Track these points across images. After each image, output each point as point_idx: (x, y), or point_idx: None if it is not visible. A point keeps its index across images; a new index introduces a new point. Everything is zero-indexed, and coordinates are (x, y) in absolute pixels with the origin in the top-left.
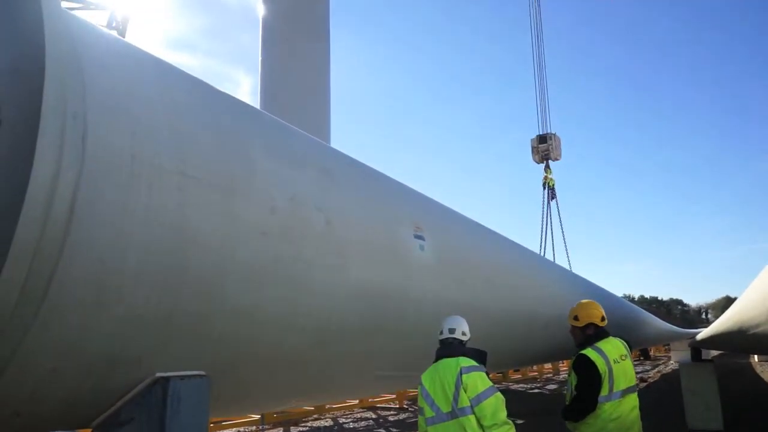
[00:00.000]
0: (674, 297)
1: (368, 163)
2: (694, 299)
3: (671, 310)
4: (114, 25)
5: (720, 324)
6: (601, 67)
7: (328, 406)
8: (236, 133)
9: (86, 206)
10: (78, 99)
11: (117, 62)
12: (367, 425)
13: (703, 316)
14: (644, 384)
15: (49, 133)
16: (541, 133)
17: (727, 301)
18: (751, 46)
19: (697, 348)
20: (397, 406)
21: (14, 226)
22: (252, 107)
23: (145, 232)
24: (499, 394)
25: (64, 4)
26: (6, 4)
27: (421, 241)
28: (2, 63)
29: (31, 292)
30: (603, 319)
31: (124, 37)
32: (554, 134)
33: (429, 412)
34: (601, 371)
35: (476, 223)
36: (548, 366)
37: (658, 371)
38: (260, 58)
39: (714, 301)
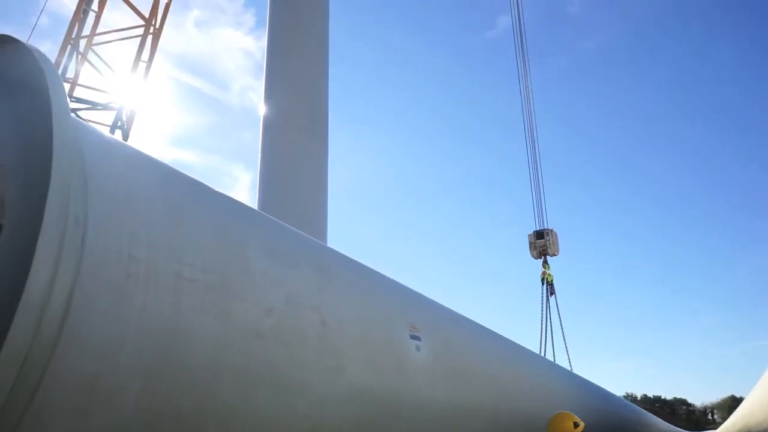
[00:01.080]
0: (678, 396)
1: (364, 257)
2: (698, 398)
3: (676, 410)
4: (119, 124)
5: (728, 428)
6: (598, 158)
7: None
8: (233, 233)
9: (81, 309)
10: (80, 204)
11: (119, 166)
12: None
13: (710, 416)
14: None
15: (50, 239)
16: (537, 229)
17: (733, 401)
18: (745, 136)
19: None
20: None
21: (6, 330)
22: (249, 207)
23: (139, 334)
24: None
25: (71, 105)
26: (16, 107)
27: (417, 342)
28: (8, 164)
29: (15, 400)
30: (576, 425)
31: (129, 135)
32: (551, 230)
33: None
34: None
35: (474, 322)
36: None
37: None
38: (260, 155)
39: (719, 401)
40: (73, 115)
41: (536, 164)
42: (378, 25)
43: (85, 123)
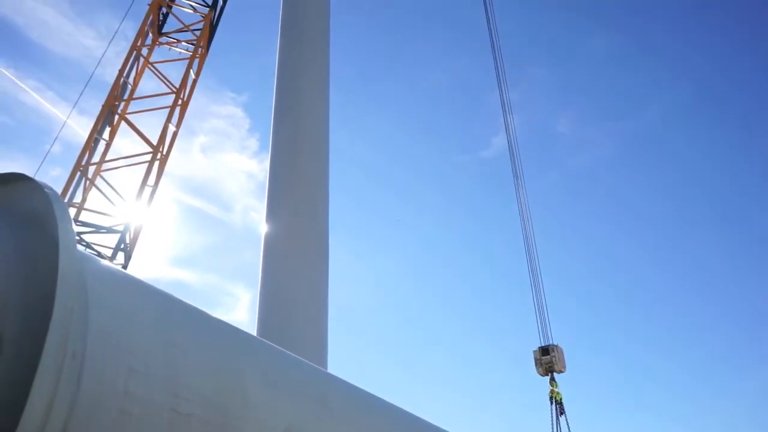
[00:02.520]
0: None
1: (365, 377)
2: None
3: None
4: (122, 246)
5: None
6: (600, 270)
7: None
8: (231, 363)
9: None
10: (79, 339)
11: (120, 298)
12: None
13: None
14: None
15: (46, 377)
16: (542, 344)
17: None
18: (748, 246)
19: None
20: None
21: None
22: (248, 334)
23: None
24: None
25: (76, 228)
26: (22, 241)
27: None
28: (10, 298)
29: None
30: None
31: (131, 256)
32: (557, 345)
33: None
34: None
35: None
36: None
37: None
38: (260, 274)
39: None
40: (79, 247)
41: (537, 279)
42: (374, 149)
43: (90, 256)
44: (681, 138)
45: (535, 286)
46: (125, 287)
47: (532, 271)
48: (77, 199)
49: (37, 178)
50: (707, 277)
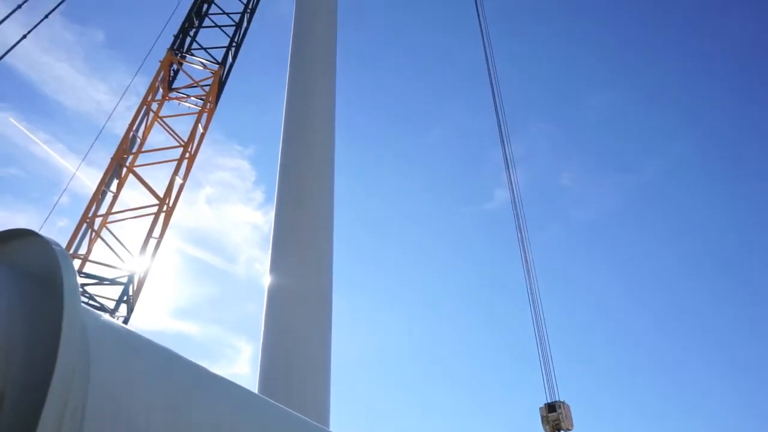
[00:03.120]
0: None
1: (368, 427)
2: None
3: None
4: (125, 298)
5: None
6: (604, 326)
7: None
8: (232, 423)
9: None
10: (80, 397)
11: (122, 356)
12: None
13: None
14: None
15: None
16: (549, 401)
17: None
18: (756, 307)
19: None
20: None
21: None
22: (250, 392)
23: None
24: None
25: (80, 281)
26: (26, 299)
27: None
28: (12, 357)
29: None
30: None
31: (134, 308)
32: (563, 402)
33: None
34: None
35: None
36: None
37: None
38: (262, 327)
39: None
40: (82, 300)
41: (542, 332)
42: (378, 200)
43: (93, 312)
44: (684, 190)
45: (540, 340)
46: (127, 345)
47: (537, 325)
48: (82, 250)
49: (43, 233)
50: (709, 333)
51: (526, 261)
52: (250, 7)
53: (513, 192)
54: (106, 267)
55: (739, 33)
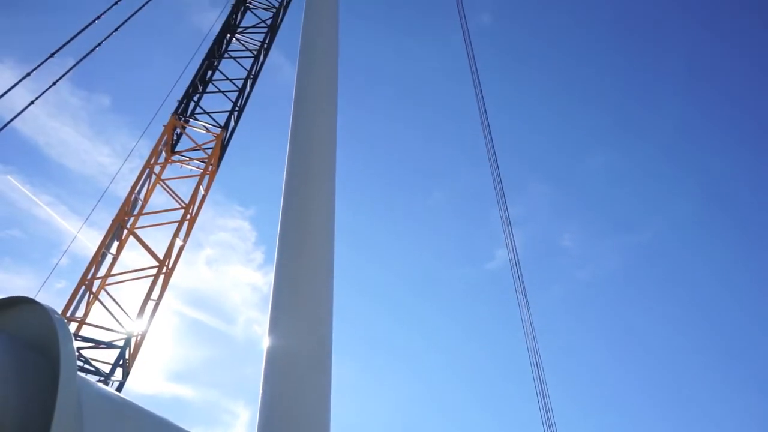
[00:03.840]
0: None
1: None
2: None
3: None
4: (121, 362)
5: None
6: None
7: None
8: None
9: None
10: None
11: (115, 424)
12: None
13: None
14: None
15: None
16: None
17: None
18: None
19: None
20: None
21: None
22: None
23: None
24: None
25: (76, 344)
26: (23, 367)
27: None
28: (7, 417)
29: None
30: None
31: (129, 372)
32: None
33: None
34: None
35: None
36: None
37: None
38: (260, 392)
39: None
40: (79, 374)
41: (545, 396)
42: (377, 265)
43: (89, 381)
44: (686, 251)
45: (543, 404)
46: (121, 414)
47: (540, 390)
48: (80, 313)
49: (42, 295)
50: (710, 400)
51: (526, 325)
52: (253, 73)
53: (512, 254)
54: (103, 330)
55: (741, 93)
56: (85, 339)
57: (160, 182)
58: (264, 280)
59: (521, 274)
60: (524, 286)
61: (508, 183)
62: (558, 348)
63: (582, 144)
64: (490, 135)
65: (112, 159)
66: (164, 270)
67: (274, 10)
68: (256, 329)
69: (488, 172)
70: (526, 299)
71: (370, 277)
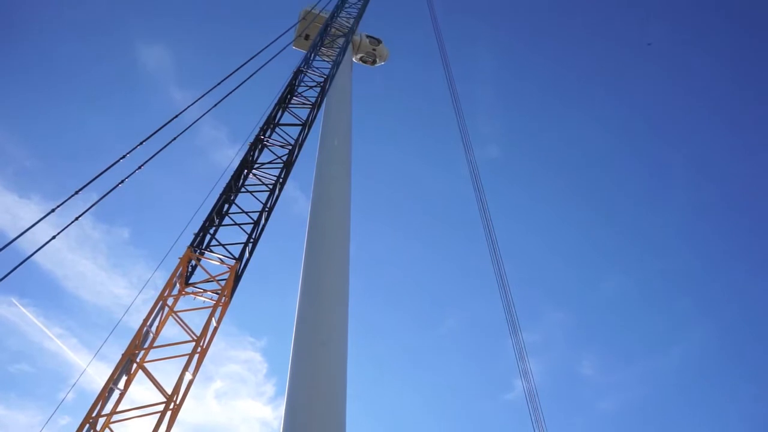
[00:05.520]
0: None
1: None
2: None
3: None
4: None
5: None
6: None
7: None
8: None
9: None
10: None
11: None
12: None
13: None
14: None
15: None
16: None
17: None
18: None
19: None
20: None
21: None
22: None
23: None
24: None
25: None
26: None
27: None
28: None
29: None
30: None
31: None
32: None
33: None
34: None
35: None
36: None
37: None
38: None
39: None
40: None
41: None
42: (393, 402)
43: None
44: (704, 379)
45: None
46: None
47: None
48: None
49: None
50: None
51: None
52: (268, 206)
53: (529, 385)
54: None
55: (750, 206)
56: None
57: (173, 314)
58: (274, 414)
59: (540, 407)
60: (544, 419)
61: (523, 310)
62: None
63: (595, 268)
64: (502, 265)
65: (127, 290)
66: (172, 406)
67: (290, 147)
68: None
69: (498, 301)
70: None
71: (385, 408)
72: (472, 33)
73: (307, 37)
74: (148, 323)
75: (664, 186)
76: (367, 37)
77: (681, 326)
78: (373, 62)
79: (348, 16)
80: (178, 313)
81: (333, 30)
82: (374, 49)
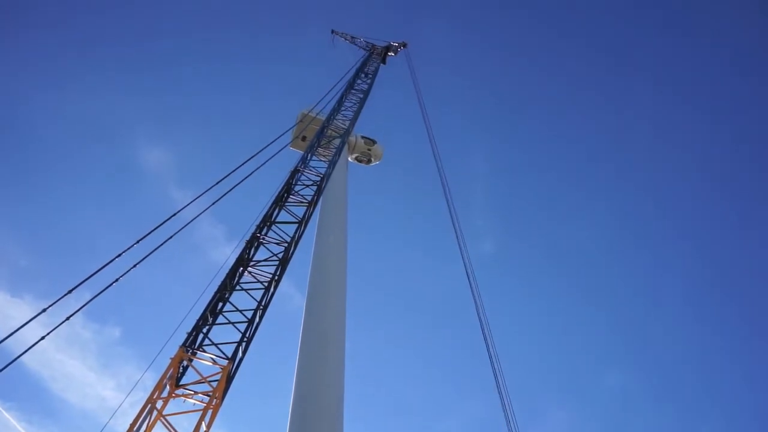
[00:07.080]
0: None
1: None
2: None
3: None
4: None
5: None
6: None
7: None
8: None
9: None
10: None
11: None
12: None
13: None
14: None
15: None
16: None
17: None
18: None
19: None
20: None
21: None
22: None
23: None
24: None
25: None
26: None
27: None
28: None
29: None
30: None
31: None
32: None
33: None
34: None
35: None
36: None
37: None
38: None
39: None
40: None
41: None
42: None
43: None
44: None
45: None
46: None
47: None
48: None
49: None
50: None
51: None
52: (263, 303)
53: None
54: None
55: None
56: None
57: (161, 418)
58: None
59: None
60: None
61: (525, 409)
62: None
63: (596, 363)
64: (500, 367)
65: (115, 392)
66: None
67: (286, 244)
68: None
69: (496, 400)
70: None
71: None
72: (466, 136)
73: (304, 138)
74: (135, 428)
75: (662, 282)
76: (363, 137)
77: (682, 421)
78: (368, 161)
79: (344, 118)
80: (167, 417)
81: (329, 131)
82: (369, 149)
